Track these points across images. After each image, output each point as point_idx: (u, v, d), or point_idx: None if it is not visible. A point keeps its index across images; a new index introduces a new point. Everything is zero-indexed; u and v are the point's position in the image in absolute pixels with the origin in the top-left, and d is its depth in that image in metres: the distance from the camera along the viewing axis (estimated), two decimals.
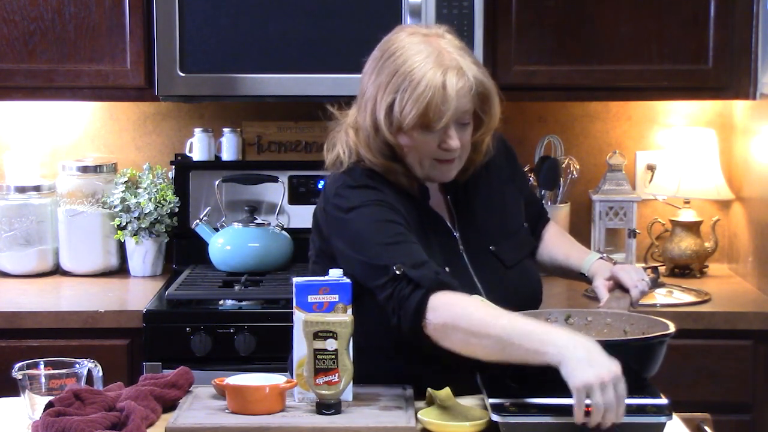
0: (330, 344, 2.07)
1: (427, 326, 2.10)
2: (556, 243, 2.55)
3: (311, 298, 2.12)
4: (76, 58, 3.35)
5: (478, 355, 2.05)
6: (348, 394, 2.12)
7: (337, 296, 2.12)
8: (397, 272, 2.12)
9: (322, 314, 2.10)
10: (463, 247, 2.35)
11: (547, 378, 2.01)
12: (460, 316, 2.06)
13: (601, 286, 2.36)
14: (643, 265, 3.02)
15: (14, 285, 3.47)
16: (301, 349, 2.12)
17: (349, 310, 2.12)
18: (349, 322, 2.08)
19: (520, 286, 2.36)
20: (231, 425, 2.02)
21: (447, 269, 2.22)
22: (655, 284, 2.44)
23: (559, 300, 3.23)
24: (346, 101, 2.44)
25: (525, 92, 3.40)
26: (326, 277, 2.15)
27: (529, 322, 2.03)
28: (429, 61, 2.21)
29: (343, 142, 2.37)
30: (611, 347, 1.96)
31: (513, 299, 2.25)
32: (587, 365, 1.90)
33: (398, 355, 2.34)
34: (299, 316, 2.11)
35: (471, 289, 2.21)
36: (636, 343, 2.09)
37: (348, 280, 2.14)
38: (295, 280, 2.15)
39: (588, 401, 1.88)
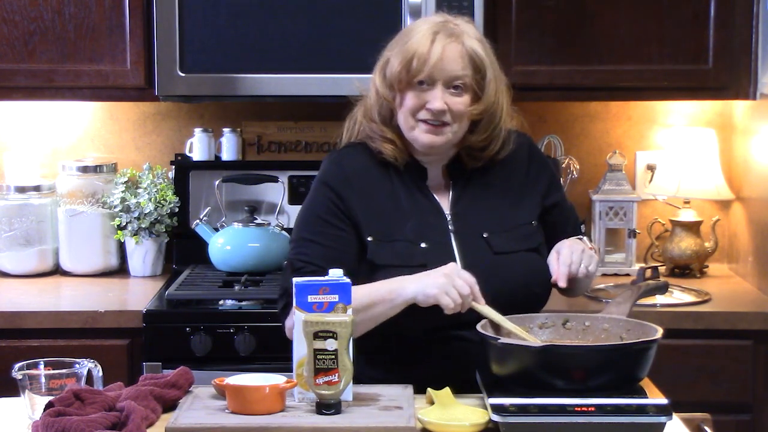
0: (330, 344, 2.07)
1: (289, 332, 2.27)
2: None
3: (311, 298, 2.12)
4: (76, 58, 3.35)
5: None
6: (348, 394, 2.12)
7: (337, 296, 2.12)
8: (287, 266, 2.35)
9: (322, 314, 2.10)
10: (453, 228, 2.38)
11: (547, 378, 2.02)
12: None
13: (552, 260, 2.34)
14: (643, 265, 3.01)
15: (14, 285, 3.47)
16: (301, 349, 2.12)
17: (349, 310, 2.12)
18: (349, 322, 2.08)
19: (509, 275, 2.35)
20: (231, 425, 2.02)
21: (423, 245, 2.32)
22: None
23: (559, 301, 3.22)
24: (351, 99, 2.49)
25: (525, 92, 3.37)
26: (326, 278, 2.15)
27: (380, 284, 2.26)
28: (428, 23, 2.33)
29: (352, 120, 2.47)
30: (602, 352, 2.03)
31: (498, 286, 2.28)
32: (426, 278, 2.20)
33: (398, 355, 2.35)
34: (299, 316, 2.11)
35: None
36: (622, 348, 2.08)
37: (348, 280, 2.14)
38: (295, 280, 2.15)
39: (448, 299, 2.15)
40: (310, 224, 2.38)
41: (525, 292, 2.36)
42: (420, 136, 2.34)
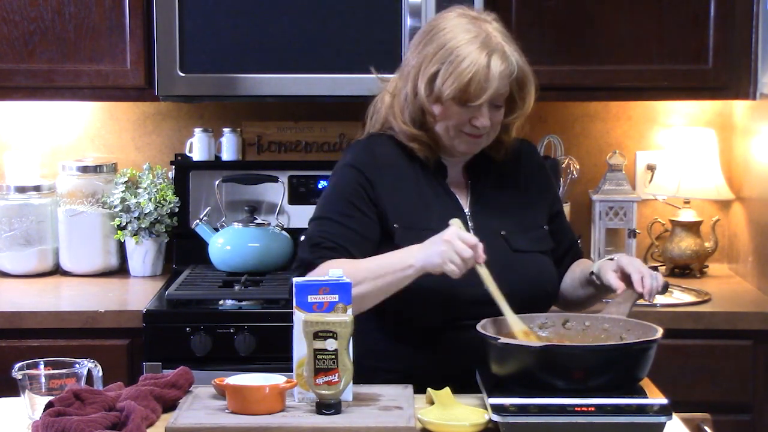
0: (330, 344, 2.07)
1: None
2: (578, 264, 2.55)
3: (311, 298, 2.12)
4: (76, 58, 3.35)
5: (362, 302, 2.25)
6: (348, 394, 2.12)
7: (337, 296, 2.12)
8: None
9: (322, 314, 2.10)
10: (472, 224, 2.41)
11: (547, 378, 2.02)
12: None
13: (612, 278, 2.33)
14: None
15: (14, 285, 3.47)
16: (300, 349, 2.12)
17: (350, 310, 2.12)
18: (349, 322, 2.08)
19: (526, 273, 2.38)
20: (231, 425, 2.02)
21: None
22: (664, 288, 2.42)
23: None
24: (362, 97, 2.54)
25: None
26: (326, 277, 2.15)
27: (387, 255, 2.27)
28: (476, 41, 2.32)
29: (376, 110, 2.49)
30: (602, 352, 2.03)
31: (516, 283, 2.30)
32: (430, 247, 2.20)
33: (399, 354, 2.36)
34: (299, 316, 2.11)
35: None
36: (622, 348, 2.08)
37: (348, 280, 2.14)
38: (295, 280, 2.15)
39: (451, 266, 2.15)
40: (335, 204, 2.39)
41: (539, 290, 2.41)
42: (460, 146, 2.39)
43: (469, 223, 2.41)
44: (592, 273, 2.40)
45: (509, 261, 2.37)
